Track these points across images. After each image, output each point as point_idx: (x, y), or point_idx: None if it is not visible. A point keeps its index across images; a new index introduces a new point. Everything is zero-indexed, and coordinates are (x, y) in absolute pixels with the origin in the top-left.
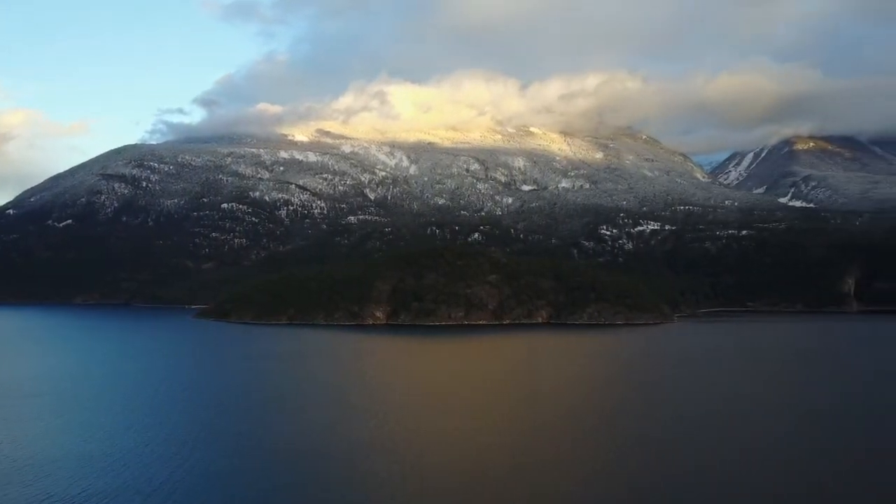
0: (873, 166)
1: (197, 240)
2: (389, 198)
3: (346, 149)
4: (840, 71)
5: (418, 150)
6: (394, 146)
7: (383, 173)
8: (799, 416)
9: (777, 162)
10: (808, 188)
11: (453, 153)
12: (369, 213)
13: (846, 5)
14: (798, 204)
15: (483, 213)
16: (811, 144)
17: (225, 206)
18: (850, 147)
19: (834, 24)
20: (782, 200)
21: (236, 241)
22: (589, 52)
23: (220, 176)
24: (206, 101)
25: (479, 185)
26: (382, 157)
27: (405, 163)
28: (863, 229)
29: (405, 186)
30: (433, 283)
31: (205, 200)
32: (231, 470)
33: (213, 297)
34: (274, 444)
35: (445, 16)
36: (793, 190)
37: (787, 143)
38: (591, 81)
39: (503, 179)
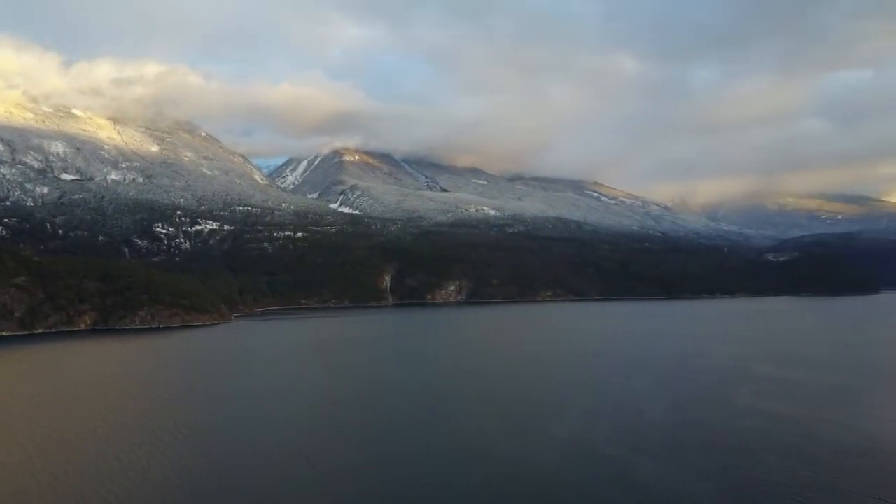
0: (405, 181)
1: None
2: None
3: None
4: (381, 95)
5: None
6: None
7: None
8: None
9: (329, 170)
10: (355, 196)
11: None
12: None
13: (386, 38)
14: (346, 210)
15: (8, 204)
16: (357, 157)
17: None
18: (388, 163)
19: (376, 53)
20: (333, 206)
21: None
22: (149, 39)
23: None
24: None
25: (4, 170)
26: None
27: None
28: (397, 234)
29: None
30: None
31: None
32: None
33: None
34: None
35: None
36: (342, 197)
37: (338, 154)
38: (150, 70)
39: (36, 165)
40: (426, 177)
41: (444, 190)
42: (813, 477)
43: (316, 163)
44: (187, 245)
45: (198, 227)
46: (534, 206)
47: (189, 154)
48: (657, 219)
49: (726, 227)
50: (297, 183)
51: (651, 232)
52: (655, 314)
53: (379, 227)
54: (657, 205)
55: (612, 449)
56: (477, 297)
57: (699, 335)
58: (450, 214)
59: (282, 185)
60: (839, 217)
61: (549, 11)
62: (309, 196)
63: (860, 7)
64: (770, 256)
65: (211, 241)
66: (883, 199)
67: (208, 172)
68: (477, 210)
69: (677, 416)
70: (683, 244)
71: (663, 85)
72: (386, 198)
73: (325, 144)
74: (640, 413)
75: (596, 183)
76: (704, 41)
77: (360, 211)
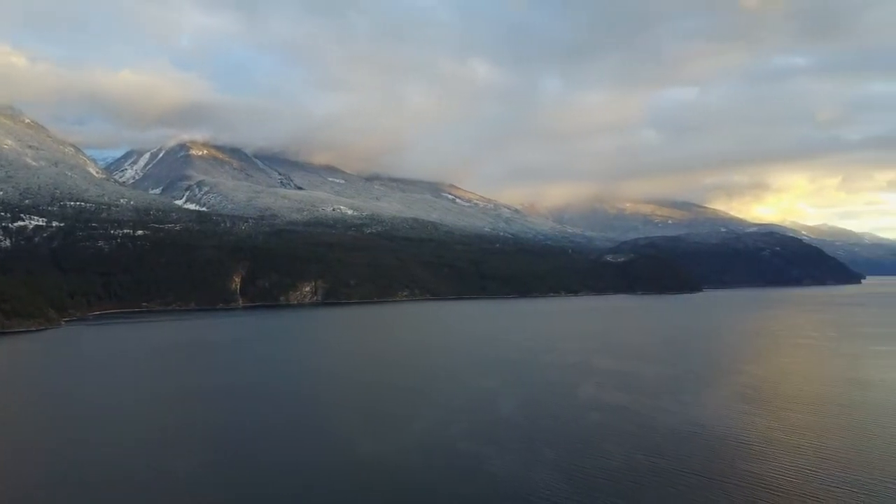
0: (257, 177)
1: None
2: None
3: None
4: (231, 87)
5: None
6: None
7: None
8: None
9: (174, 165)
10: (202, 193)
11: None
12: None
13: (238, 28)
14: (192, 207)
15: None
16: (205, 151)
17: None
18: (238, 158)
19: (228, 44)
20: (178, 202)
21: None
22: None
23: None
24: None
25: None
26: None
27: None
28: (248, 233)
29: None
30: None
31: None
32: None
33: None
34: None
35: None
36: (188, 193)
37: (184, 147)
38: None
39: None
40: (280, 174)
41: (299, 188)
42: (647, 461)
43: (160, 156)
44: (7, 243)
45: (20, 223)
46: (391, 206)
47: (10, 142)
48: (508, 221)
49: (571, 230)
50: (137, 177)
51: (502, 233)
52: (506, 312)
53: (228, 225)
54: (508, 208)
55: (465, 444)
56: (333, 297)
57: (547, 332)
58: (305, 213)
59: (120, 179)
60: (669, 221)
61: (406, 14)
62: (151, 191)
63: (687, 29)
64: (609, 257)
65: (36, 239)
66: (705, 205)
67: (33, 163)
68: (333, 209)
69: (527, 411)
70: (532, 245)
71: (514, 92)
72: (236, 194)
73: (171, 137)
74: (492, 409)
75: (451, 185)
76: (552, 53)
77: (207, 208)
